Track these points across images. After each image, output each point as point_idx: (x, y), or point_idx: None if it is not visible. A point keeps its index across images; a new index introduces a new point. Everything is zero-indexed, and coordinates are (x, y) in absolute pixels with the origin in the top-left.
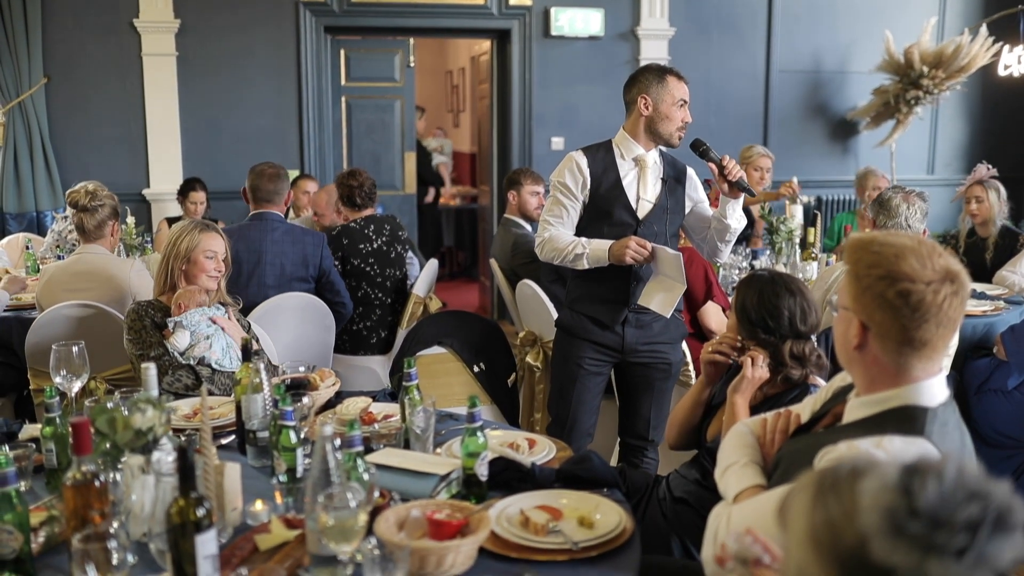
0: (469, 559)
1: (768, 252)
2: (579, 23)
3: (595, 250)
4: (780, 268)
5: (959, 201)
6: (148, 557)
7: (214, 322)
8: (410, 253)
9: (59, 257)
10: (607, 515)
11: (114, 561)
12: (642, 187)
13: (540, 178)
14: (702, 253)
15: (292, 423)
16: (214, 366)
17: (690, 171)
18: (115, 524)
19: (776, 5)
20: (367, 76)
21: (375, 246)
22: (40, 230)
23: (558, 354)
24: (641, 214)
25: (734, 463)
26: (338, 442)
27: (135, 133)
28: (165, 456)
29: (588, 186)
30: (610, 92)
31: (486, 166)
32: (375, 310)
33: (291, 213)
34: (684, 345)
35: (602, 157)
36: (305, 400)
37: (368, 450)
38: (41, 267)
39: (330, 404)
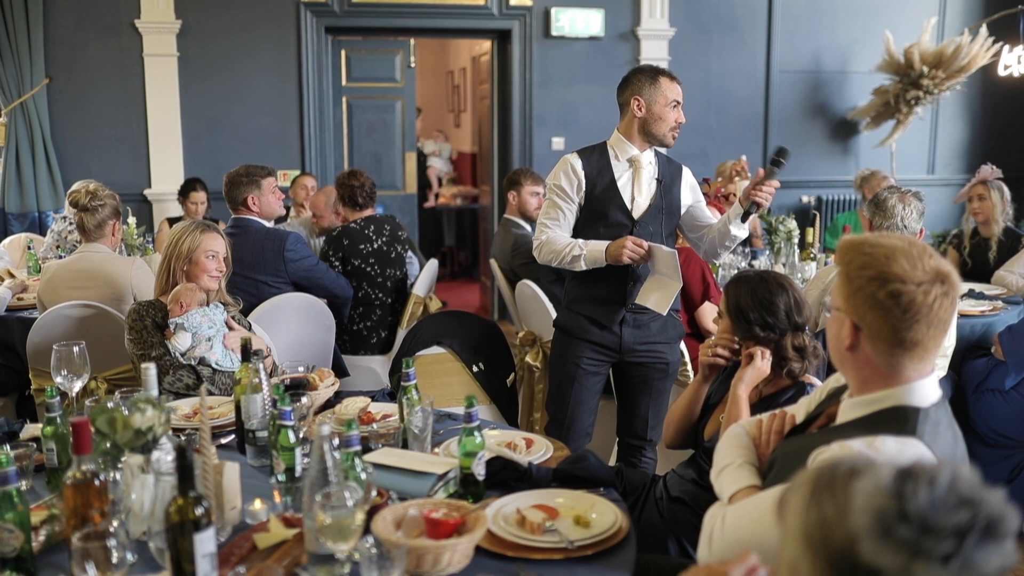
0: (465, 558)
1: (768, 252)
2: (579, 23)
3: (592, 251)
4: (779, 268)
5: (960, 201)
6: (147, 555)
7: (228, 326)
8: (410, 253)
9: (59, 257)
10: (603, 514)
11: (114, 559)
12: (637, 188)
13: (540, 178)
14: (699, 253)
15: (291, 423)
16: (214, 366)
17: (685, 171)
18: (115, 523)
19: (776, 5)
20: (368, 76)
21: (375, 246)
22: (42, 230)
23: (556, 354)
24: (636, 214)
25: (729, 464)
26: (336, 441)
27: (136, 133)
28: (164, 455)
29: (583, 188)
30: (610, 92)
31: (487, 166)
32: (375, 310)
33: (291, 211)
34: (682, 345)
35: (597, 159)
36: (304, 400)
37: (366, 449)
38: (43, 267)
39: (329, 404)
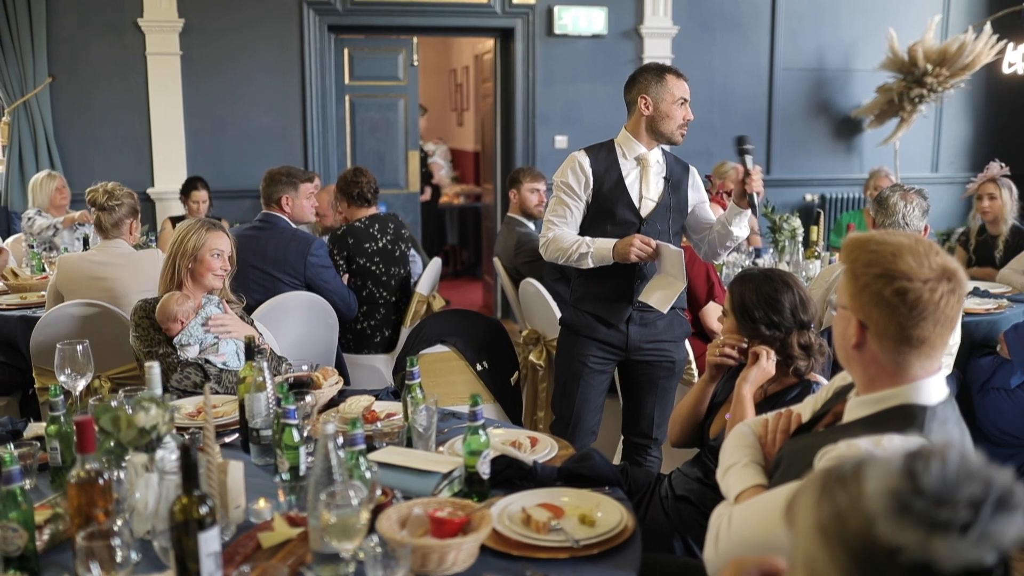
0: (471, 557)
1: (771, 250)
2: (582, 22)
3: (599, 249)
4: (783, 266)
5: (965, 199)
6: (152, 555)
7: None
8: (413, 251)
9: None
10: (608, 513)
11: (118, 559)
12: (645, 186)
13: (540, 175)
14: (699, 253)
15: (295, 421)
16: (220, 366)
17: (692, 170)
18: (119, 522)
19: (780, 3)
20: (371, 75)
21: (380, 245)
22: None
23: (562, 352)
24: (644, 213)
25: (735, 463)
26: (340, 440)
27: (139, 132)
28: (168, 454)
29: (591, 185)
30: (614, 90)
31: (490, 165)
32: (379, 309)
33: None
34: (687, 344)
35: (604, 157)
36: (308, 399)
37: (371, 448)
38: (46, 267)
39: (333, 402)
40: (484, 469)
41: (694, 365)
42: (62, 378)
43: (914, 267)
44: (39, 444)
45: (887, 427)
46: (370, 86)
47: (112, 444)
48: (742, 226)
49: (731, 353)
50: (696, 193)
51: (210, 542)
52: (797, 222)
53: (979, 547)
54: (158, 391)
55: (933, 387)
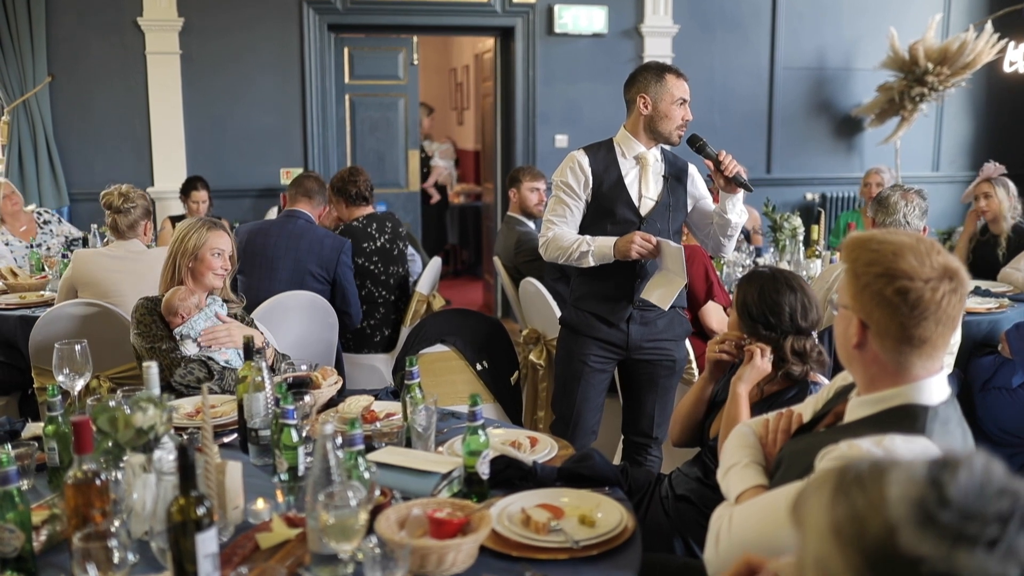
0: (470, 557)
1: (772, 249)
2: (583, 20)
3: (600, 247)
4: (783, 265)
5: (967, 201)
6: (149, 555)
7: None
8: (412, 250)
9: (64, 256)
10: (608, 514)
11: (115, 559)
12: (644, 185)
13: (540, 174)
14: (707, 249)
15: (294, 422)
16: (224, 364)
17: (692, 168)
18: (116, 523)
19: (780, 2)
20: (371, 74)
21: (378, 244)
22: None
23: (563, 351)
24: (644, 211)
25: (736, 463)
26: (339, 440)
27: (139, 131)
28: (166, 455)
29: (590, 185)
30: (614, 89)
31: (490, 164)
32: (379, 308)
33: None
34: (687, 343)
35: (603, 156)
36: (307, 399)
37: (370, 448)
38: (46, 267)
39: (332, 402)
40: (483, 469)
41: (694, 364)
42: (60, 378)
43: (916, 266)
44: (37, 444)
45: (888, 427)
46: (370, 85)
47: (110, 444)
48: (737, 211)
49: (728, 349)
50: (696, 190)
51: (208, 543)
52: (798, 221)
53: (1005, 563)
54: (156, 391)
55: (935, 387)
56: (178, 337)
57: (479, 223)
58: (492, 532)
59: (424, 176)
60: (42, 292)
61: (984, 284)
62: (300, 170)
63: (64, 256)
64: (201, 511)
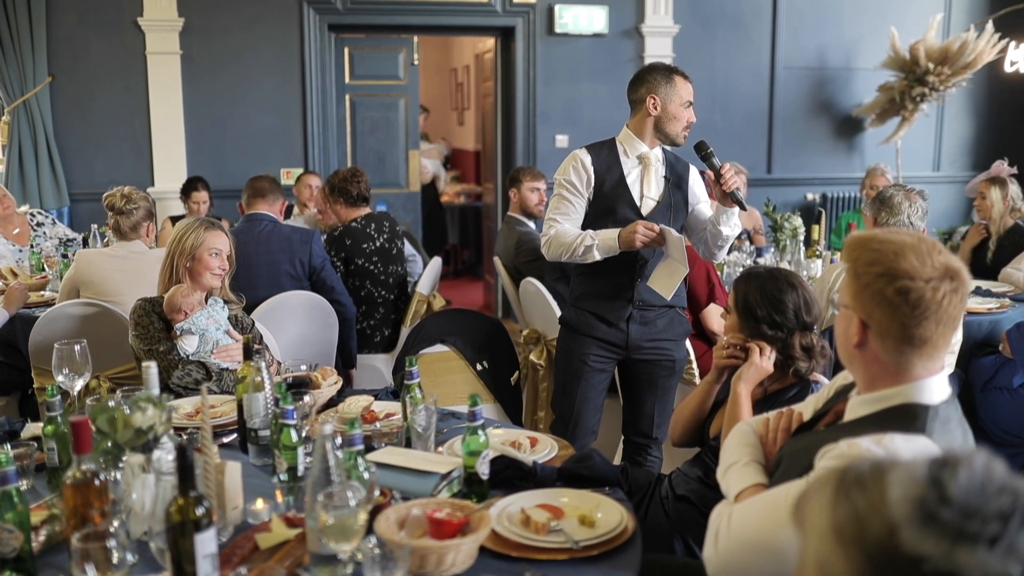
0: (469, 558)
1: (772, 250)
2: (583, 20)
3: (604, 240)
4: (784, 265)
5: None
6: (148, 556)
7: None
8: (412, 250)
9: (64, 256)
10: (608, 514)
11: (114, 560)
12: (646, 185)
13: (540, 174)
14: (699, 253)
15: (293, 422)
16: (223, 365)
17: (692, 169)
18: (115, 523)
19: (781, 2)
20: (371, 74)
21: (377, 244)
22: None
23: (563, 351)
24: (645, 211)
25: (736, 462)
26: (339, 440)
27: (139, 132)
28: (165, 455)
29: (593, 184)
30: (614, 89)
31: (490, 164)
32: (378, 308)
33: (295, 209)
34: (688, 343)
35: (606, 155)
36: (306, 399)
37: (369, 448)
38: (46, 267)
39: (332, 402)
40: (483, 470)
41: (695, 365)
42: (60, 378)
43: (916, 266)
44: (36, 444)
45: (888, 426)
46: (370, 85)
47: (109, 445)
48: (731, 224)
49: (736, 353)
50: (695, 192)
51: (207, 543)
52: (798, 221)
53: (1006, 560)
54: (155, 391)
55: (935, 386)
56: (179, 332)
57: (479, 223)
58: (492, 532)
59: None
60: (42, 292)
61: (985, 284)
62: (300, 170)
63: (64, 256)
64: (200, 511)
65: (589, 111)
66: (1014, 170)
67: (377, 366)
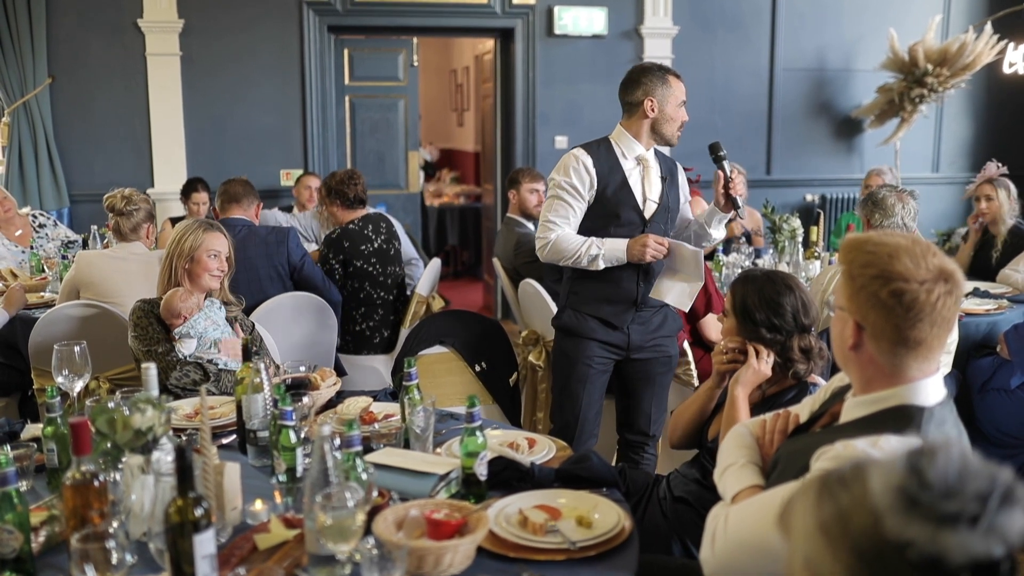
0: (467, 558)
1: (771, 251)
2: (583, 22)
3: (611, 250)
4: (783, 267)
5: (966, 200)
6: (148, 556)
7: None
8: (414, 253)
9: (64, 257)
10: (606, 515)
11: (113, 560)
12: (647, 187)
13: (539, 175)
14: None
15: (292, 423)
16: (220, 366)
17: (679, 167)
18: (114, 524)
19: (780, 3)
20: (371, 75)
21: (376, 245)
22: None
23: (562, 357)
24: (647, 214)
25: (732, 464)
26: (337, 442)
27: (139, 133)
28: (164, 456)
29: (595, 186)
30: (614, 91)
31: (490, 165)
32: (377, 310)
33: (295, 208)
34: (686, 345)
35: (605, 156)
36: (305, 400)
37: (368, 450)
38: (46, 268)
39: (331, 404)
40: (481, 470)
41: (693, 367)
42: (60, 379)
43: (911, 268)
44: (36, 445)
45: (884, 428)
46: (370, 86)
47: (108, 446)
48: (720, 228)
49: (736, 358)
50: (683, 191)
51: (205, 544)
52: (797, 222)
53: (988, 539)
54: (155, 392)
55: (930, 388)
56: (177, 336)
57: (479, 224)
58: (489, 533)
59: None
60: (42, 293)
61: (983, 285)
62: (300, 171)
63: (64, 258)
64: (199, 512)
65: (588, 112)
66: (1004, 169)
67: (376, 367)
